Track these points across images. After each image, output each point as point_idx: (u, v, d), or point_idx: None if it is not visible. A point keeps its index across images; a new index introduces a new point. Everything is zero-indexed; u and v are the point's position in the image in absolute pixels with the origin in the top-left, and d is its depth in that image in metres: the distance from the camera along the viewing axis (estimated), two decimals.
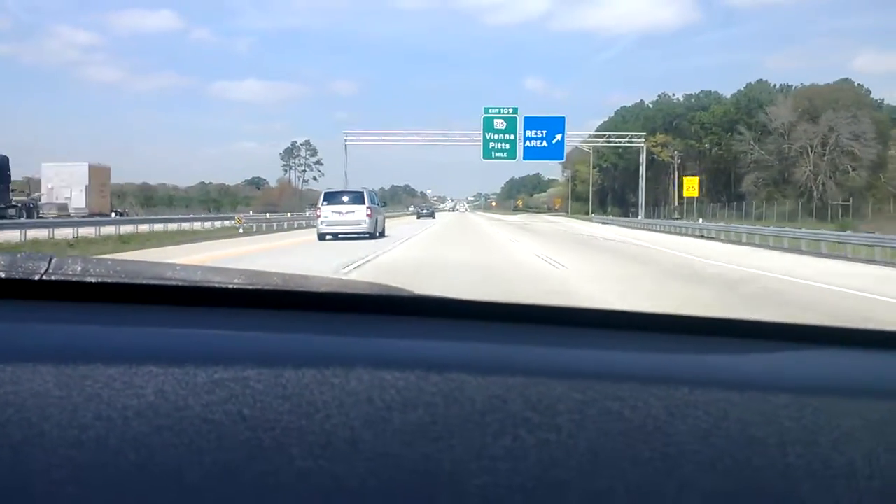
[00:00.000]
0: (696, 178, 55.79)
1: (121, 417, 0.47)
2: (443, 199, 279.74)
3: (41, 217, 32.01)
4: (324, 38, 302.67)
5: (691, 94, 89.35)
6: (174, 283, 0.71)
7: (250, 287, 0.71)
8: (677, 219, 62.79)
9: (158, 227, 30.62)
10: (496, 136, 53.44)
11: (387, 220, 27.74)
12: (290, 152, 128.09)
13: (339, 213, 21.81)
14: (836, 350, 0.71)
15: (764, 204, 67.75)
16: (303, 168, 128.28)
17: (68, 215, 33.78)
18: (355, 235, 21.40)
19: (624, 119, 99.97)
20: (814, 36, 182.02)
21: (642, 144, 64.35)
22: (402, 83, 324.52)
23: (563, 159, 56.62)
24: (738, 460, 0.49)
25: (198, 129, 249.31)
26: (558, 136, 53.30)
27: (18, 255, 0.72)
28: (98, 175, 41.36)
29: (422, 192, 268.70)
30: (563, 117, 54.25)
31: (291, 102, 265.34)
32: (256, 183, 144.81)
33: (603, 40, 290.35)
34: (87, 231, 24.19)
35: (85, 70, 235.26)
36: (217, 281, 0.72)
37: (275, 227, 34.73)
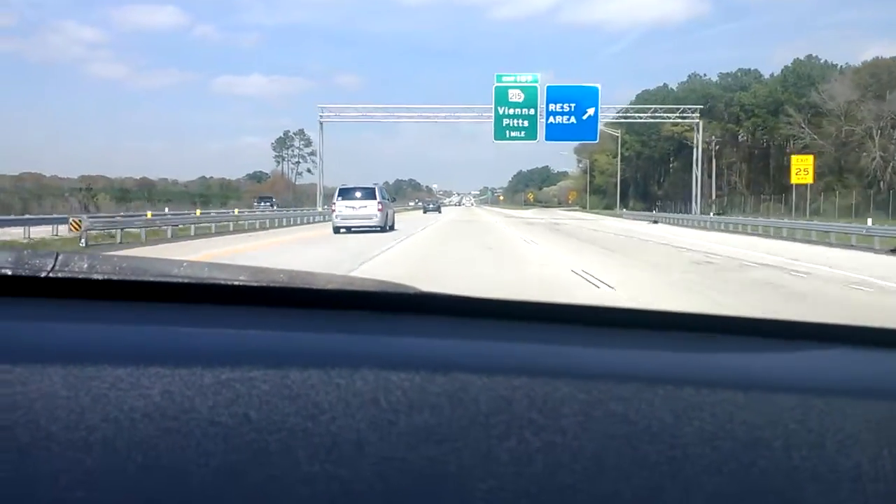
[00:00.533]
0: (811, 157, 43.40)
1: (128, 419, 0.47)
2: (448, 194, 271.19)
3: None
4: (329, 32, 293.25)
5: (727, 73, 77.36)
6: (180, 280, 0.70)
7: (256, 284, 0.71)
8: (718, 213, 51.54)
9: None
10: (511, 112, 41.61)
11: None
12: (282, 143, 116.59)
13: (353, 207, 22.67)
14: (843, 349, 0.69)
15: (822, 196, 55.70)
16: (296, 159, 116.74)
17: None
18: (367, 229, 22.06)
19: (646, 103, 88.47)
20: (822, 28, 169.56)
21: (696, 120, 52.20)
22: (408, 77, 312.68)
23: (595, 139, 44.56)
24: (744, 462, 0.49)
25: (202, 125, 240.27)
26: (590, 111, 41.41)
27: (25, 252, 0.71)
28: None
29: (427, 187, 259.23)
30: (597, 87, 42.21)
31: (296, 97, 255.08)
32: (258, 177, 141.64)
33: (610, 33, 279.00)
34: None
35: (90, 67, 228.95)
36: (222, 278, 0.71)
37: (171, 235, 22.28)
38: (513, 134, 42.16)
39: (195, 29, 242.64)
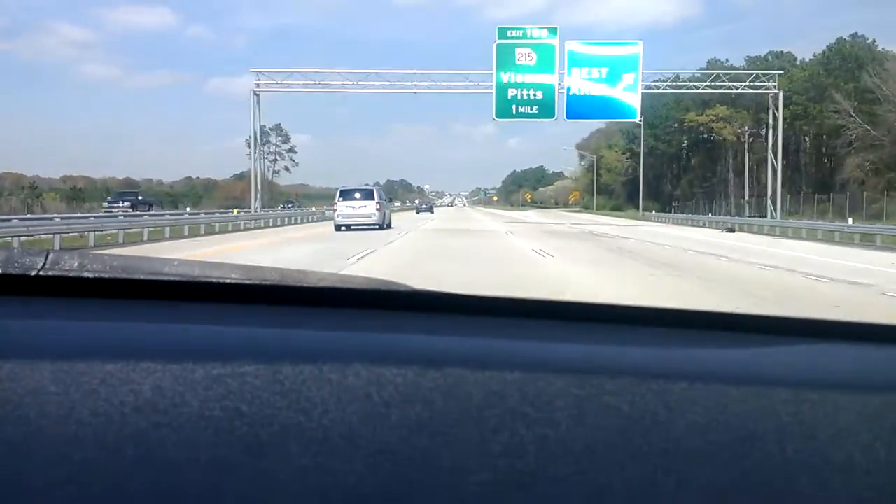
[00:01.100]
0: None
1: (118, 413, 0.46)
2: (441, 195, 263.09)
3: None
4: (320, 34, 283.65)
5: (755, 57, 65.84)
6: (171, 278, 0.69)
7: (247, 282, 0.70)
8: (758, 216, 40.48)
9: None
10: (520, 79, 29.89)
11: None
12: (258, 138, 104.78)
13: (353, 207, 24.60)
14: (835, 344, 0.69)
15: (885, 197, 44.23)
16: (273, 157, 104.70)
17: None
18: (366, 227, 23.70)
19: (653, 96, 77.52)
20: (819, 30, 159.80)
21: (773, 91, 40.26)
22: (403, 77, 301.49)
23: (636, 116, 32.04)
24: (737, 455, 0.48)
25: (192, 125, 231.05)
26: (628, 78, 29.84)
27: (15, 251, 0.70)
28: None
29: (419, 187, 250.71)
30: (637, 45, 30.69)
31: (289, 97, 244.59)
32: (244, 177, 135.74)
33: (606, 35, 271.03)
34: None
35: (78, 67, 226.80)
36: (214, 276, 0.70)
37: None
38: (521, 109, 30.08)
39: (187, 30, 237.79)
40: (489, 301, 0.70)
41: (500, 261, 13.53)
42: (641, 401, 0.52)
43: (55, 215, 24.08)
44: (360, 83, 32.35)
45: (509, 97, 29.89)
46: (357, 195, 25.17)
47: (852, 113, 51.51)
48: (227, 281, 0.69)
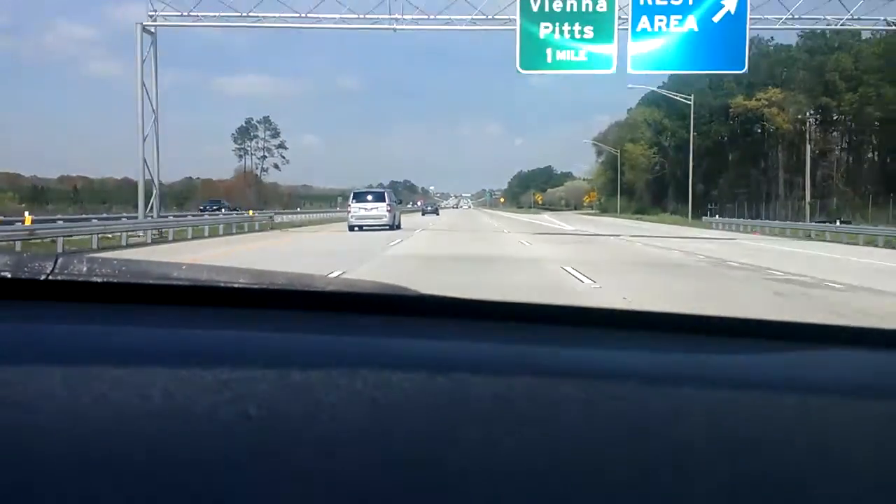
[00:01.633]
0: None
1: (128, 417, 0.46)
2: (445, 196, 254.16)
3: None
4: (327, 32, 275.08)
5: (811, 33, 54.69)
6: (180, 282, 0.68)
7: (256, 287, 0.69)
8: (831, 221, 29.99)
9: None
10: (558, 8, 18.55)
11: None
12: (244, 133, 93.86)
13: (365, 209, 25.62)
14: (841, 350, 0.68)
15: None
16: (262, 154, 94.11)
17: None
18: (378, 227, 24.65)
19: (682, 79, 66.82)
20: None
21: None
22: (407, 77, 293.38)
23: (742, 67, 21.03)
24: (743, 460, 0.48)
25: (196, 125, 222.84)
26: (729, 5, 18.49)
27: (24, 255, 0.71)
28: None
29: (423, 189, 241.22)
30: None
31: (293, 98, 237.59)
32: (263, 180, 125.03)
33: None
34: None
35: (80, 65, 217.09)
36: (222, 281, 0.69)
37: None
38: (561, 56, 18.71)
39: (193, 28, 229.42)
40: (496, 306, 0.69)
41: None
42: (647, 405, 0.51)
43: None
44: (310, 15, 20.39)
45: (541, 36, 18.61)
46: (369, 197, 26.38)
47: None
48: (236, 285, 0.68)
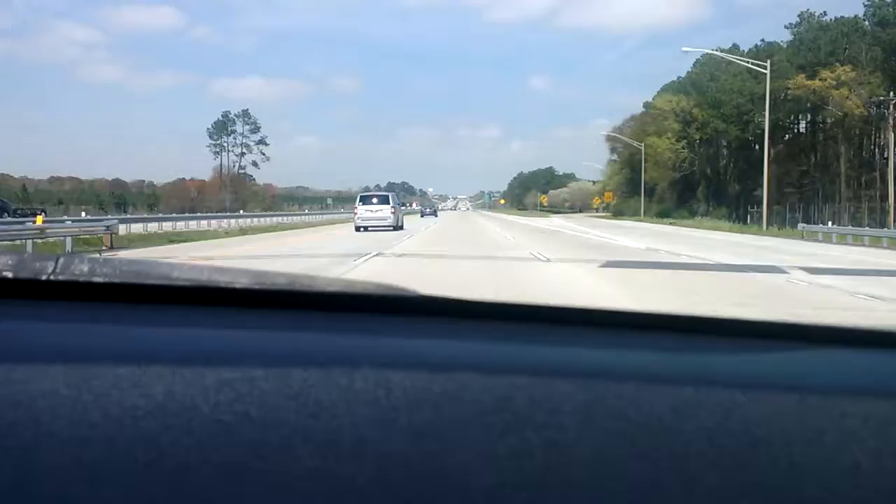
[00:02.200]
0: None
1: (130, 417, 0.46)
2: (444, 198, 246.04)
3: None
4: (325, 35, 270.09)
5: (881, 2, 44.65)
6: (181, 283, 0.68)
7: (257, 287, 0.69)
8: None
9: None
10: None
11: None
12: (221, 127, 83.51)
13: (371, 211, 27.21)
14: (842, 350, 0.67)
15: None
16: (240, 150, 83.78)
17: None
18: (382, 228, 26.46)
19: (708, 71, 57.01)
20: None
21: None
22: (404, 81, 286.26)
23: None
24: (743, 460, 0.47)
25: (194, 127, 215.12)
26: None
27: (25, 255, 0.70)
28: None
29: (421, 191, 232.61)
30: None
31: (293, 100, 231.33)
32: (242, 179, 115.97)
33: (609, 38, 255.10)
34: None
35: (79, 68, 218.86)
36: (223, 281, 0.69)
37: None
38: None
39: (192, 31, 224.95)
40: (496, 306, 0.68)
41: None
42: (648, 405, 0.51)
43: None
44: None
45: None
46: (374, 200, 28.12)
47: None
48: (236, 286, 0.68)
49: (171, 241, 20.82)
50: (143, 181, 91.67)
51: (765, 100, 36.71)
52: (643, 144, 57.47)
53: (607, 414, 0.50)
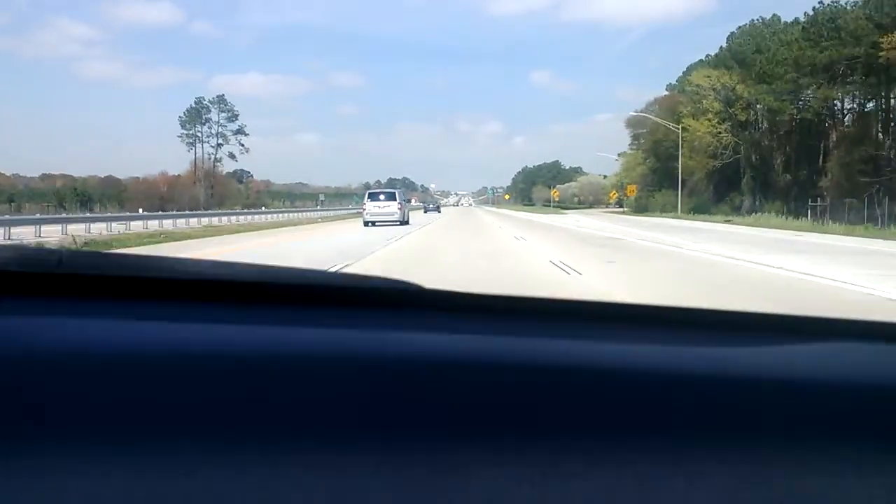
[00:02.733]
0: None
1: (133, 410, 0.46)
2: (446, 194, 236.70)
3: None
4: (326, 31, 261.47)
5: None
6: (185, 277, 0.68)
7: (259, 281, 0.69)
8: None
9: None
10: None
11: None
12: (195, 115, 73.50)
13: (379, 207, 28.48)
14: (845, 343, 0.67)
15: None
16: (216, 140, 73.84)
17: None
18: (390, 223, 27.34)
19: (753, 41, 47.27)
20: None
21: None
22: (407, 75, 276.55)
23: None
24: (745, 452, 0.47)
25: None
26: None
27: (31, 249, 0.69)
28: None
29: (422, 186, 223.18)
30: None
31: (294, 97, 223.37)
32: (239, 177, 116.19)
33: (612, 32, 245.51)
34: None
35: (84, 65, 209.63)
36: (226, 275, 0.69)
37: None
38: None
39: (191, 26, 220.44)
40: (497, 300, 0.68)
41: None
42: (649, 397, 0.50)
43: None
44: None
45: None
46: (382, 197, 29.51)
47: None
48: (239, 280, 0.68)
49: (109, 247, 16.12)
50: (138, 178, 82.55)
51: (828, 69, 27.14)
52: (680, 127, 47.45)
53: (608, 407, 0.49)
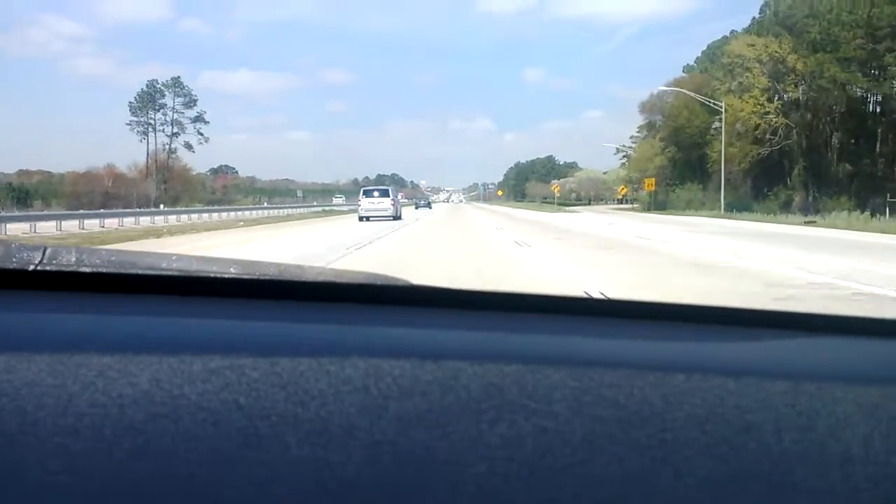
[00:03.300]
0: None
1: (116, 405, 0.44)
2: (437, 190, 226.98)
3: None
4: (317, 28, 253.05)
5: None
6: (169, 272, 0.66)
7: (246, 277, 0.67)
8: None
9: None
10: None
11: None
12: (147, 100, 63.07)
13: (373, 203, 29.69)
14: (832, 338, 0.66)
15: None
16: (172, 129, 63.47)
17: None
18: (383, 218, 28.48)
19: (804, 3, 37.90)
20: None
21: None
22: (398, 72, 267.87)
23: None
24: (734, 446, 0.46)
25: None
26: None
27: (13, 246, 0.68)
28: None
29: (413, 183, 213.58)
30: None
31: (284, 93, 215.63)
32: (225, 172, 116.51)
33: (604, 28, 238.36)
34: None
35: (72, 62, 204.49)
36: (212, 271, 0.67)
37: None
38: None
39: (181, 22, 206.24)
40: (486, 296, 0.67)
41: None
42: (639, 393, 0.50)
43: None
44: None
45: None
46: (376, 193, 30.75)
47: None
48: (226, 276, 0.66)
49: None
50: (78, 172, 73.17)
51: None
52: (723, 104, 37.72)
53: (598, 401, 0.48)
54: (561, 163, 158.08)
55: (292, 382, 0.47)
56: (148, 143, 62.72)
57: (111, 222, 26.33)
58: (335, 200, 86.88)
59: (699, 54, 59.75)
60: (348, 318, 0.60)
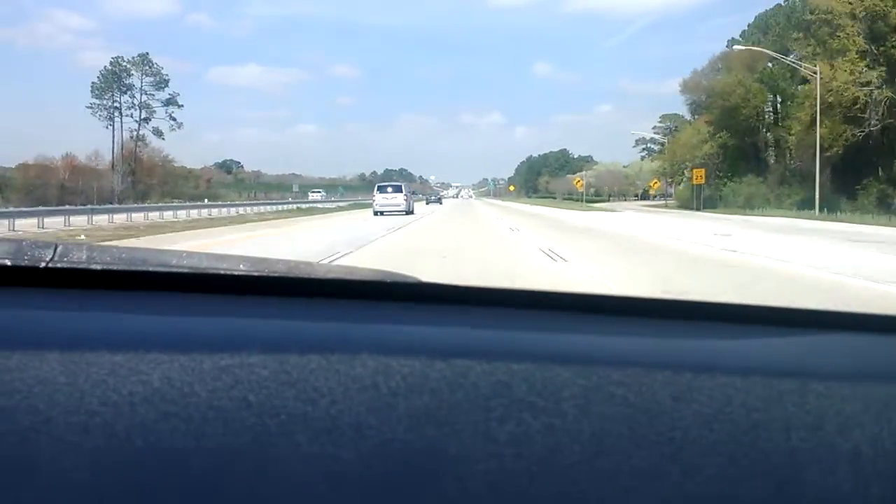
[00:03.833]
0: None
1: (127, 403, 0.44)
2: (446, 186, 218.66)
3: None
4: (326, 22, 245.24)
5: None
6: (180, 270, 0.66)
7: (255, 274, 0.67)
8: None
9: None
10: None
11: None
12: (113, 80, 54.32)
13: (387, 198, 31.60)
14: (841, 335, 0.65)
15: None
16: (141, 113, 54.78)
17: None
18: (397, 212, 30.46)
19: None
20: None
21: None
22: (406, 66, 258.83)
23: None
24: (743, 445, 0.46)
25: (191, 116, 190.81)
26: None
27: (24, 243, 0.67)
28: None
29: (421, 178, 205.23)
30: None
31: (292, 87, 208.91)
32: (228, 167, 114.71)
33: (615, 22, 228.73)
34: None
35: (79, 55, 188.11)
36: (222, 268, 0.67)
37: None
38: None
39: (188, 17, 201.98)
40: (495, 293, 0.66)
41: None
42: (648, 391, 0.49)
43: None
44: None
45: None
46: (389, 189, 32.45)
47: None
48: (236, 273, 0.66)
49: None
50: (28, 163, 64.11)
51: None
52: (818, 72, 28.62)
53: (606, 399, 0.48)
54: (575, 156, 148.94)
55: (302, 380, 0.47)
56: (114, 131, 54.14)
57: (54, 221, 22.23)
58: (312, 196, 75.48)
59: (745, 27, 50.65)
60: (358, 316, 0.60)
